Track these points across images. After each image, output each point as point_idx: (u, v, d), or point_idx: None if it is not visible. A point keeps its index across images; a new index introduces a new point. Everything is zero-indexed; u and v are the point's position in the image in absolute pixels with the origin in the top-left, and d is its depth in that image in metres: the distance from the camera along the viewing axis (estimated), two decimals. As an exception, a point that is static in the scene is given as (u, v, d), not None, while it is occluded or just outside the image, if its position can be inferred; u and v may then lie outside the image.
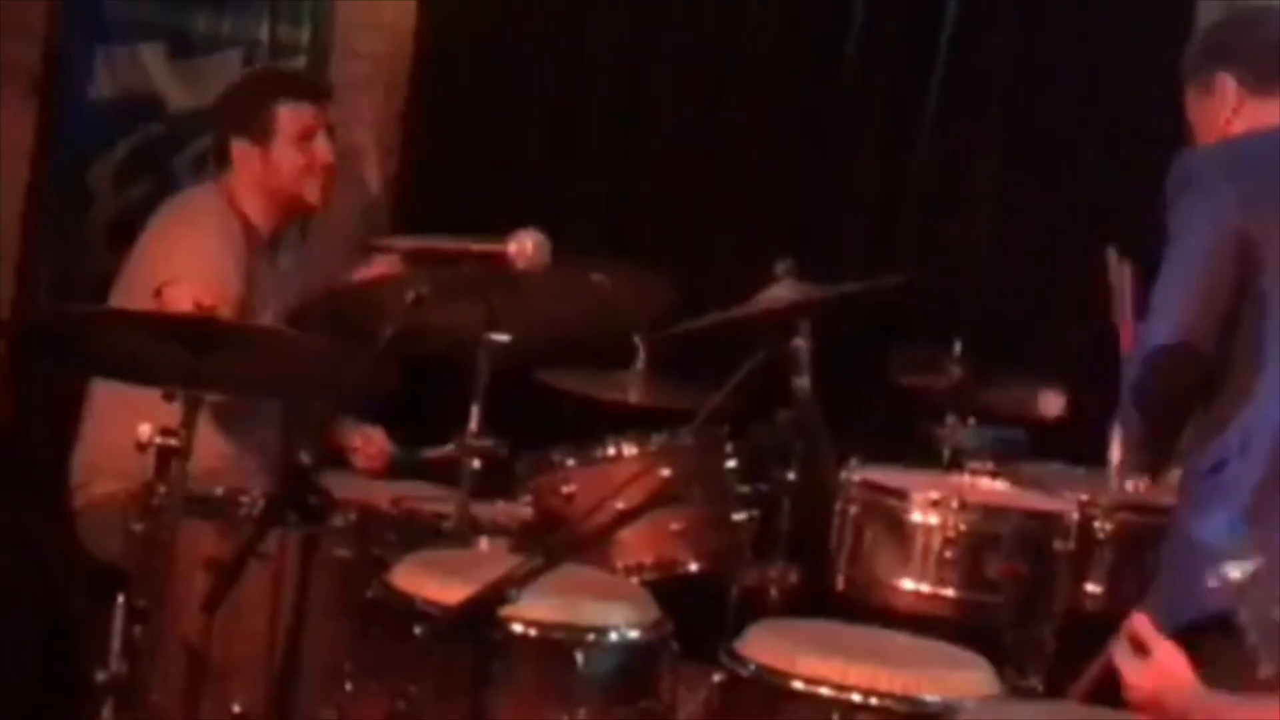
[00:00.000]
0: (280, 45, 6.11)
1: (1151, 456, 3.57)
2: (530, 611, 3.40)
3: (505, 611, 3.24)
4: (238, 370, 3.66)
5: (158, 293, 4.40)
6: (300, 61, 6.15)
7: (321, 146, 4.70)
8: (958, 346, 4.76)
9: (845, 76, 5.79)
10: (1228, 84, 3.66)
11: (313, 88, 4.85)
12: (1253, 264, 3.38)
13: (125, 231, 5.02)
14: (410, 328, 3.89)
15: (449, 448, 4.26)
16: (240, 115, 4.74)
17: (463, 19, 6.42)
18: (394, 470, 4.77)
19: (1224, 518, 3.29)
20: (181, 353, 3.55)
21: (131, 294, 4.49)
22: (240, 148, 4.68)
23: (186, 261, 4.46)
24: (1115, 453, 3.82)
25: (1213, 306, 3.39)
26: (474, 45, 6.39)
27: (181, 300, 4.29)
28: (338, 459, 4.74)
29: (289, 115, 4.68)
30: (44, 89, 5.62)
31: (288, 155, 4.66)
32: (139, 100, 5.83)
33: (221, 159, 4.76)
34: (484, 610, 3.19)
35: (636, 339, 4.79)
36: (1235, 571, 2.63)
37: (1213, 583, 2.65)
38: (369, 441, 4.84)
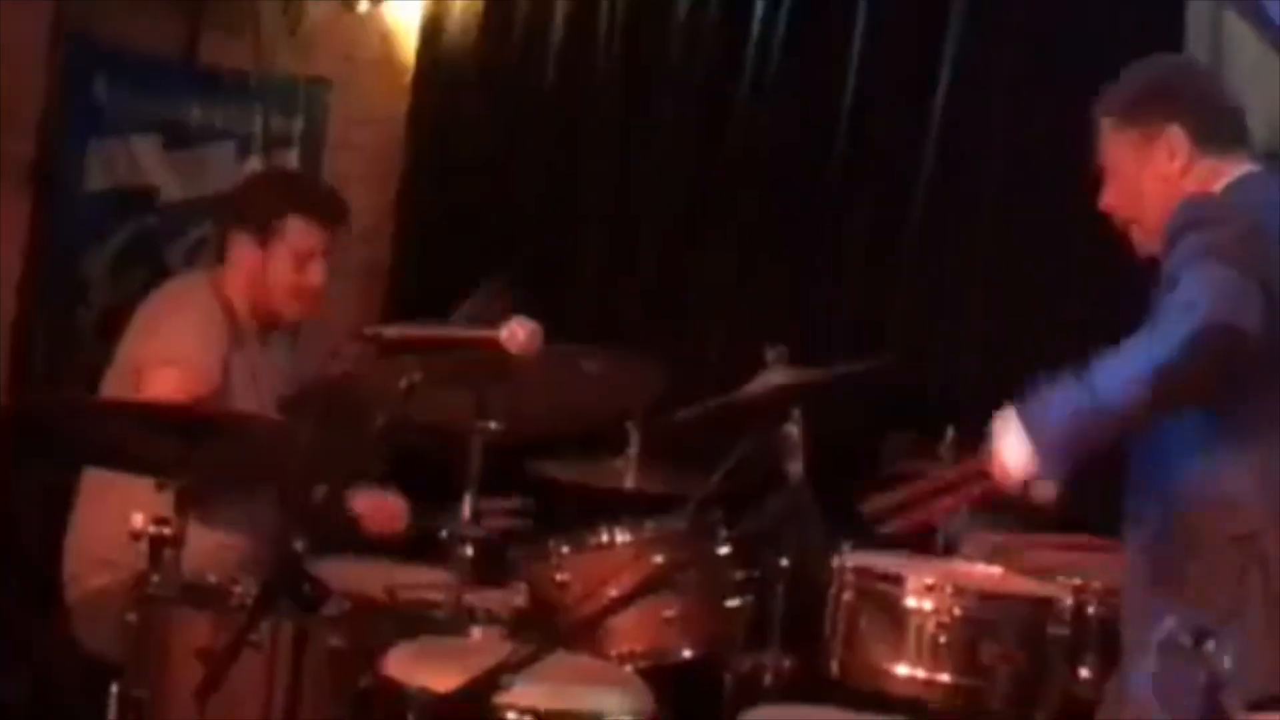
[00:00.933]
0: (274, 137, 6.15)
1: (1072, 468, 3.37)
2: (524, 699, 3.39)
3: (499, 699, 3.24)
4: (229, 459, 3.66)
5: (137, 376, 4.41)
6: (293, 153, 6.20)
7: (315, 271, 4.68)
8: (950, 433, 4.76)
9: (837, 161, 5.82)
10: (1179, 138, 3.66)
11: (329, 209, 4.77)
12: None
13: (119, 322, 5.03)
14: (402, 416, 3.89)
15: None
16: (248, 211, 4.71)
17: (455, 111, 6.47)
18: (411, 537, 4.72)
19: None
20: (173, 442, 3.55)
21: (117, 380, 4.51)
22: (239, 241, 4.68)
23: (165, 346, 4.48)
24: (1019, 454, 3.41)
25: (1257, 303, 3.28)
26: (466, 137, 6.43)
27: (160, 383, 4.32)
28: (349, 527, 4.70)
29: (297, 229, 4.66)
30: (38, 181, 5.65)
31: (281, 268, 4.65)
32: (133, 192, 5.86)
33: (219, 246, 4.76)
34: (477, 698, 3.18)
35: (629, 426, 4.79)
36: None
37: None
38: (380, 506, 4.78)
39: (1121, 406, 3.28)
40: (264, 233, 4.65)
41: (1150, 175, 3.71)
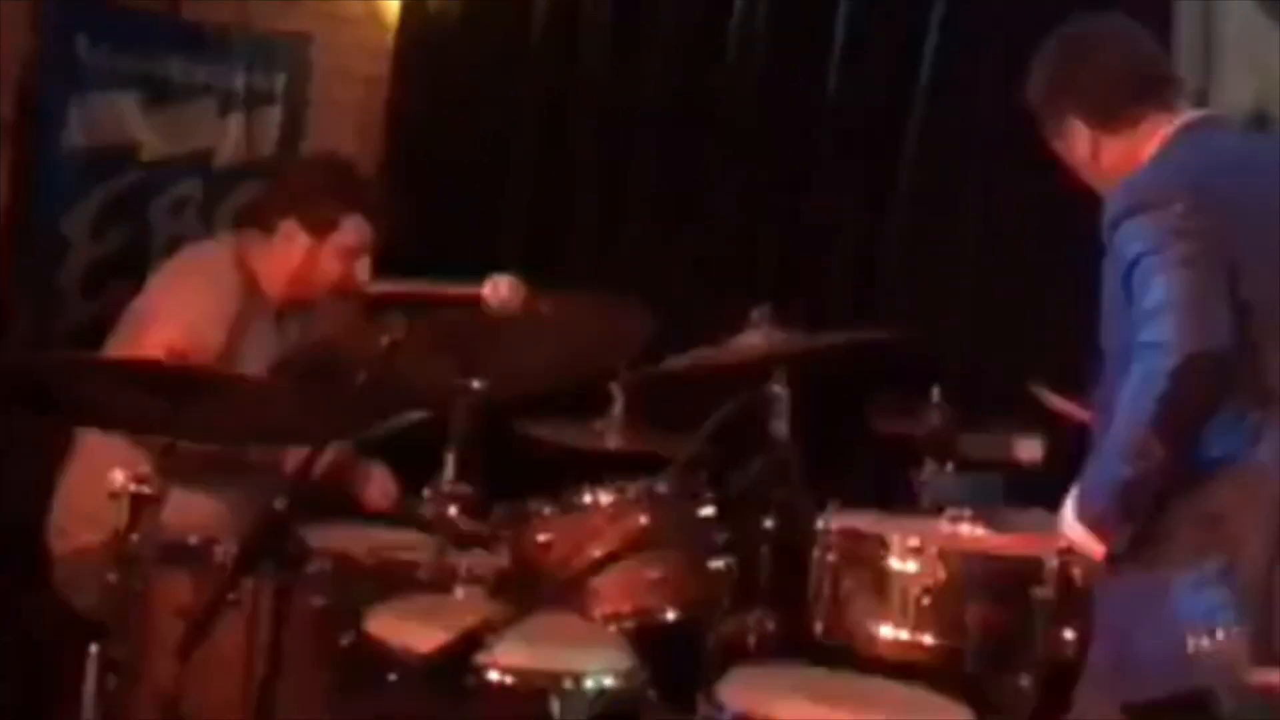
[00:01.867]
0: (256, 94, 6.12)
1: (1145, 504, 3.49)
2: (506, 658, 3.39)
3: (481, 658, 3.23)
4: (213, 418, 3.65)
5: (138, 332, 4.41)
6: (276, 110, 6.17)
7: (360, 270, 4.68)
8: (936, 393, 4.76)
9: (826, 123, 5.81)
10: (1079, 129, 3.72)
11: (380, 207, 4.80)
12: (1231, 274, 3.40)
13: (102, 279, 5.02)
14: (386, 374, 3.87)
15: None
16: (306, 199, 4.69)
17: (440, 66, 6.44)
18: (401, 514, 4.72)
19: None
20: (157, 400, 3.53)
21: (119, 335, 4.51)
22: (291, 229, 4.66)
23: (169, 308, 4.48)
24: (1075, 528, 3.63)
25: (1224, 308, 3.37)
26: (452, 92, 6.40)
27: (155, 342, 4.30)
28: (340, 494, 4.70)
29: (350, 227, 4.67)
30: (18, 138, 5.62)
31: (331, 263, 4.66)
32: (114, 148, 5.82)
33: (262, 223, 4.71)
34: (459, 657, 3.18)
35: (613, 386, 4.78)
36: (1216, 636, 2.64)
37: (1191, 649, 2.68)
38: (376, 479, 4.83)
39: (1143, 467, 3.42)
40: (320, 228, 4.65)
41: (1076, 163, 3.79)
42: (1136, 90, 3.70)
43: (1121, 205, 3.52)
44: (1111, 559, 3.53)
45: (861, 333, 4.81)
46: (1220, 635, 2.82)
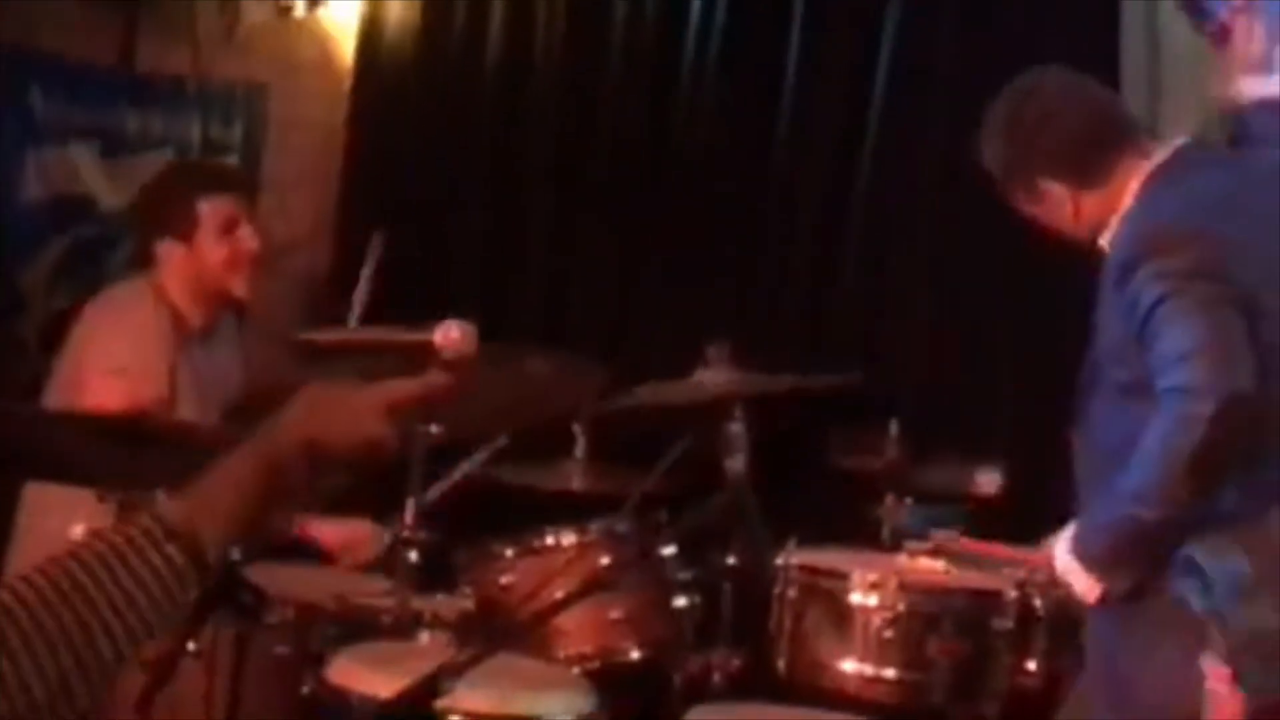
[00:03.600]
0: (212, 143, 6.14)
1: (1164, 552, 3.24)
2: (467, 702, 3.38)
3: (441, 703, 3.22)
4: (174, 469, 3.62)
5: (80, 386, 4.38)
6: (233, 159, 6.18)
7: (245, 236, 4.67)
8: (894, 427, 4.77)
9: (778, 159, 5.83)
10: (1056, 190, 3.63)
11: (229, 178, 4.81)
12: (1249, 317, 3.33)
13: (60, 333, 4.99)
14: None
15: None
16: (161, 214, 4.70)
17: (394, 113, 6.47)
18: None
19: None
20: (114, 452, 3.52)
21: (59, 390, 4.48)
22: (164, 246, 4.65)
23: (107, 355, 4.44)
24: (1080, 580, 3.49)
25: (1249, 350, 3.28)
26: (406, 139, 6.42)
27: (102, 393, 4.28)
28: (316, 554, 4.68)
29: (210, 209, 4.64)
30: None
31: (212, 248, 4.63)
32: (71, 201, 5.83)
33: (146, 259, 4.72)
34: (421, 702, 3.17)
35: (575, 428, 4.78)
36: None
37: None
38: (349, 536, 4.76)
39: (1169, 513, 3.31)
40: (181, 227, 4.63)
41: (1054, 221, 3.70)
42: (1107, 141, 3.62)
43: (1133, 250, 3.45)
44: (1103, 600, 3.43)
45: (818, 378, 4.80)
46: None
